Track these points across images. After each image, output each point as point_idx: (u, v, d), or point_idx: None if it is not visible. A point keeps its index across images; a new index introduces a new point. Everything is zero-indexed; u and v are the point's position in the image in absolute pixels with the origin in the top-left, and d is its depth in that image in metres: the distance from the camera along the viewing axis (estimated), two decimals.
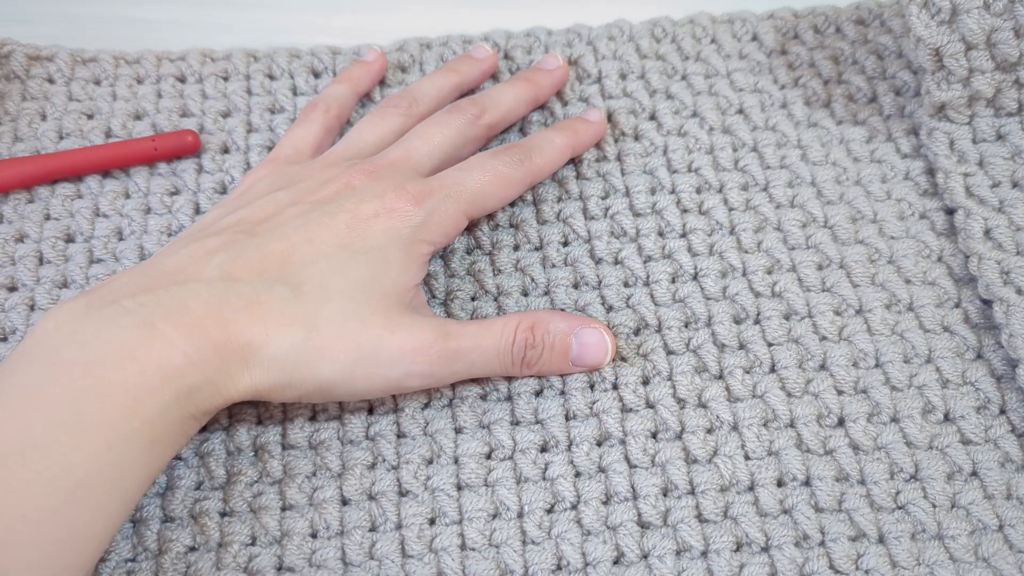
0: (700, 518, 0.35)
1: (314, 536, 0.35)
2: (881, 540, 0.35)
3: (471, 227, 0.44)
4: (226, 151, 0.47)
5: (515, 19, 0.52)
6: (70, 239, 0.43)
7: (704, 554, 0.35)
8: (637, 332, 0.40)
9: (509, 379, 0.39)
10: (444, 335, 0.36)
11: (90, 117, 0.48)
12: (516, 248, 0.43)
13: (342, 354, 0.34)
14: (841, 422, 0.38)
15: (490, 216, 0.44)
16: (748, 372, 0.39)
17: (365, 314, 0.35)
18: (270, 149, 0.46)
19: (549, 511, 0.36)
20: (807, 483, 0.36)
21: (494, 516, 0.36)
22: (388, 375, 0.35)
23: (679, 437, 0.37)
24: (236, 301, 0.33)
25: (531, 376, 0.38)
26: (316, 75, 0.50)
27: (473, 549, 0.35)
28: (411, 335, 0.35)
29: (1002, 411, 0.38)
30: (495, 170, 0.40)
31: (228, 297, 0.33)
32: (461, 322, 0.37)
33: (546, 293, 0.41)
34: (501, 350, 0.37)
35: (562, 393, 0.38)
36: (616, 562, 0.35)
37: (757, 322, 0.40)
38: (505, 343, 0.36)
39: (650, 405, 0.38)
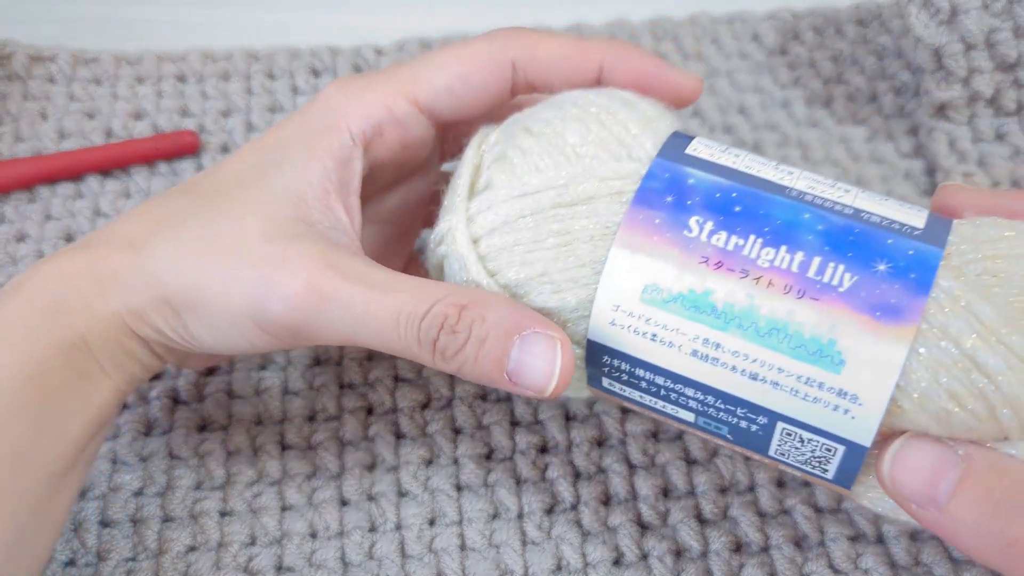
0: (699, 518, 0.35)
1: (314, 536, 0.35)
2: (880, 540, 0.35)
3: None
4: (226, 151, 0.47)
5: (515, 19, 0.52)
6: (70, 239, 0.43)
7: (704, 554, 0.35)
8: None
9: None
10: (333, 266, 0.29)
11: (91, 117, 0.48)
12: None
13: (206, 259, 0.30)
14: None
15: None
16: None
17: (242, 218, 0.30)
18: None
19: (549, 512, 0.36)
20: (807, 483, 0.36)
21: (494, 517, 0.36)
22: (248, 295, 0.29)
23: (679, 438, 0.37)
24: (121, 223, 0.31)
25: (447, 371, 0.29)
26: (316, 75, 0.50)
27: (473, 550, 0.35)
28: (285, 249, 0.29)
29: None
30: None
31: (120, 221, 0.32)
32: (376, 266, 0.30)
33: None
34: (404, 319, 0.28)
35: None
36: (616, 563, 0.35)
37: None
38: (413, 312, 0.28)
39: None
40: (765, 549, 0.35)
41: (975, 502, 0.24)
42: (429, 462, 0.37)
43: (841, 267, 0.26)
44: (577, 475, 0.36)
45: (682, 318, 0.27)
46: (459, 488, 0.36)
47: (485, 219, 0.30)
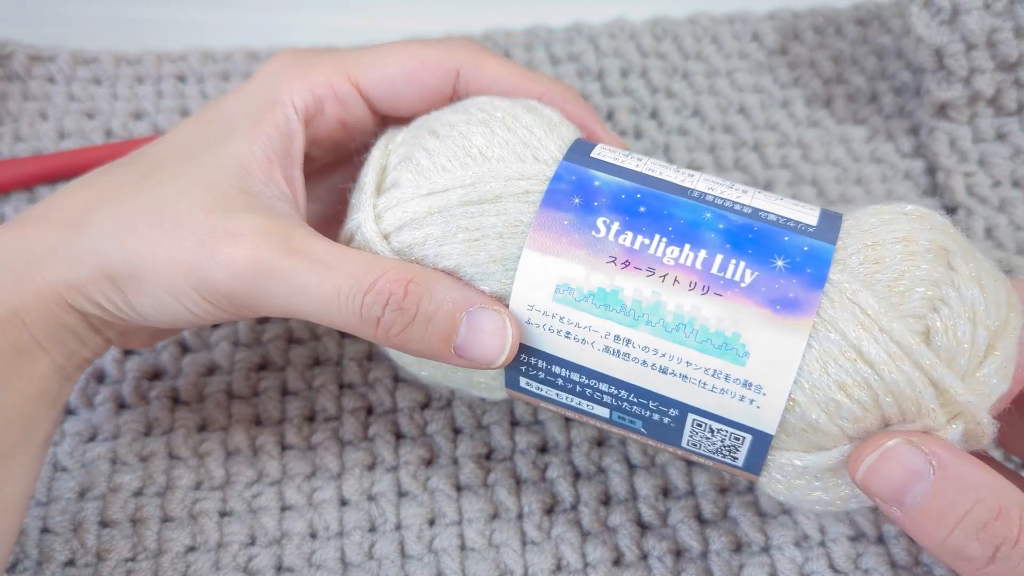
0: (699, 519, 0.35)
1: (313, 536, 0.35)
2: (880, 540, 0.35)
3: None
4: None
5: (515, 18, 0.52)
6: None
7: (704, 554, 0.35)
8: None
9: None
10: (276, 237, 0.29)
11: (91, 117, 0.48)
12: None
13: (149, 231, 0.29)
14: None
15: None
16: None
17: (185, 189, 0.30)
18: None
19: (548, 512, 0.36)
20: None
21: (493, 517, 0.36)
22: (192, 265, 0.29)
23: None
24: (58, 198, 0.31)
25: (388, 346, 0.30)
26: None
27: (473, 550, 0.35)
28: (229, 220, 0.29)
29: None
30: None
31: (57, 196, 0.31)
32: (320, 237, 0.30)
33: None
34: (346, 295, 0.28)
35: None
36: (616, 563, 0.35)
37: None
38: (356, 288, 0.28)
39: None
40: (765, 549, 0.35)
41: (936, 518, 0.25)
42: (429, 462, 0.37)
43: (742, 264, 0.27)
44: (577, 475, 0.36)
45: (593, 316, 0.28)
46: (459, 488, 0.36)
47: (393, 216, 0.30)
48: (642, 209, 0.29)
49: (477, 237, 0.29)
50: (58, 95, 0.48)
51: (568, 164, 0.30)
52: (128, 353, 0.39)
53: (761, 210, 0.29)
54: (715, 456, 0.29)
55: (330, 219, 0.37)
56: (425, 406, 0.38)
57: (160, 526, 0.35)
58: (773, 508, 0.35)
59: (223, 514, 0.36)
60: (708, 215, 0.28)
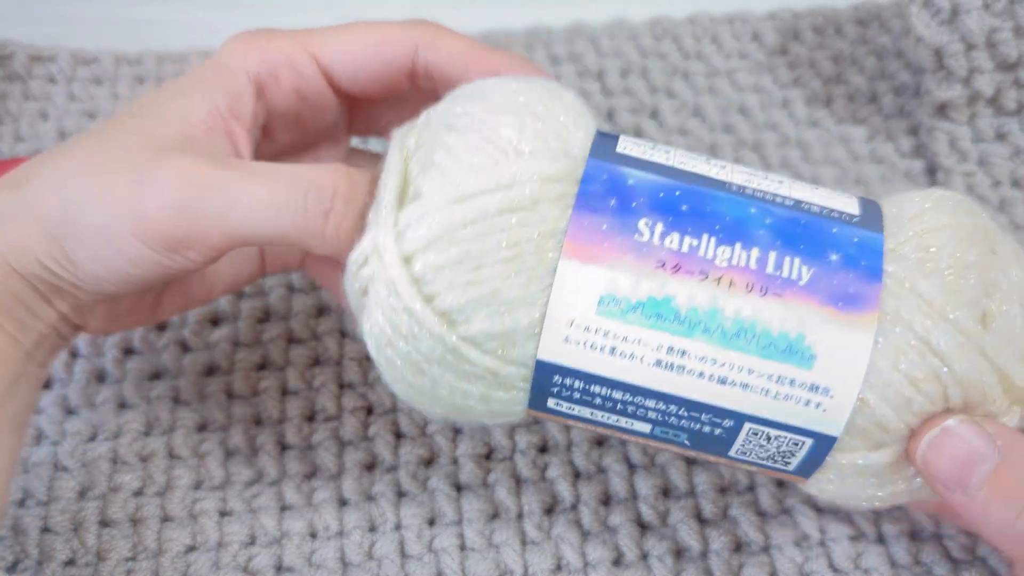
0: (699, 518, 0.35)
1: (313, 536, 0.35)
2: (880, 540, 0.35)
3: None
4: None
5: (515, 18, 0.52)
6: None
7: (704, 554, 0.35)
8: None
9: None
10: (208, 159, 0.29)
11: (91, 117, 0.48)
12: None
13: (83, 177, 0.29)
14: None
15: None
16: None
17: (124, 140, 0.30)
18: None
19: (548, 512, 0.36)
20: None
21: (493, 517, 0.36)
22: (123, 200, 0.28)
23: None
24: (12, 170, 0.31)
25: (339, 247, 0.29)
26: None
27: (472, 550, 0.35)
28: (162, 156, 0.29)
29: None
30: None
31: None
32: (255, 163, 0.30)
33: None
34: (286, 194, 0.28)
35: None
36: (616, 563, 0.35)
37: None
38: (295, 186, 0.28)
39: None
40: (765, 549, 0.35)
41: (1004, 499, 0.25)
42: (428, 462, 0.37)
43: (797, 260, 0.26)
44: (577, 475, 0.36)
45: (644, 328, 0.26)
46: (459, 488, 0.36)
47: (418, 232, 0.26)
48: (684, 207, 0.26)
49: (516, 254, 0.26)
50: (58, 95, 0.48)
51: (597, 162, 0.27)
52: (128, 352, 0.39)
53: (803, 201, 0.27)
54: (764, 463, 0.28)
55: None
56: None
57: (160, 526, 0.35)
58: (773, 508, 0.35)
59: (223, 514, 0.36)
60: (753, 209, 0.26)
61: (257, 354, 0.39)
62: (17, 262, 0.29)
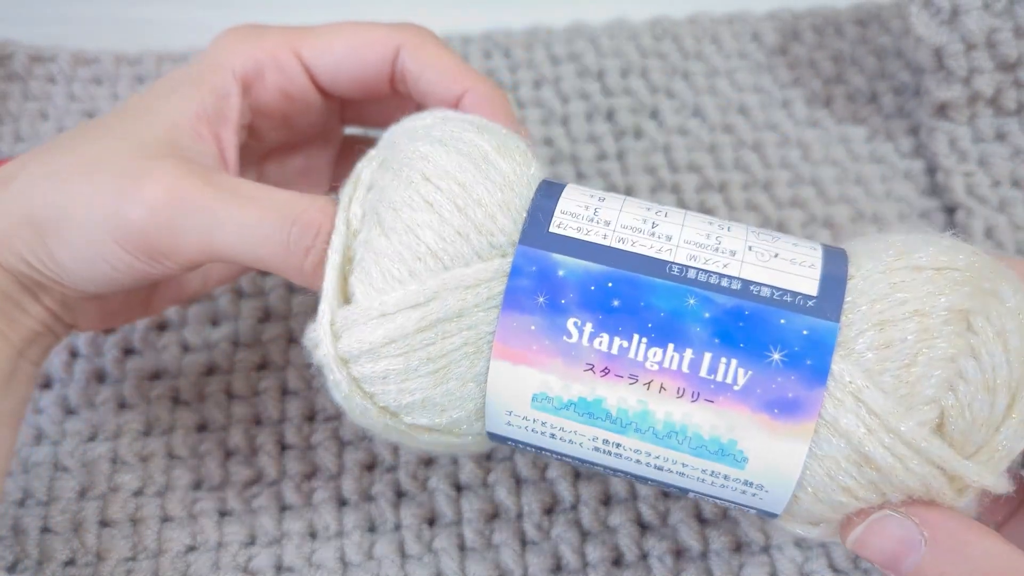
0: (699, 519, 0.35)
1: (313, 536, 0.35)
2: None
3: None
4: None
5: (515, 18, 0.52)
6: None
7: (704, 554, 0.35)
8: None
9: None
10: (195, 174, 0.28)
11: (91, 117, 0.48)
12: None
13: (70, 176, 0.29)
14: None
15: None
16: None
17: (112, 141, 0.30)
18: None
19: (548, 512, 0.36)
20: None
21: (493, 517, 0.36)
22: (107, 204, 0.28)
23: None
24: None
25: (314, 281, 0.28)
26: None
27: (472, 550, 0.35)
28: (148, 161, 0.29)
29: None
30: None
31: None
32: (244, 181, 0.30)
33: None
34: (271, 224, 0.28)
35: None
36: (616, 563, 0.35)
37: None
38: (281, 217, 0.28)
39: None
40: (765, 549, 0.35)
41: None
42: (428, 462, 0.37)
43: (734, 362, 0.25)
44: (577, 475, 0.36)
45: (577, 423, 0.26)
46: (458, 488, 0.36)
47: (350, 342, 0.27)
48: (616, 303, 0.25)
49: (443, 365, 0.26)
50: (58, 95, 0.48)
51: (526, 249, 0.26)
52: (128, 352, 0.39)
53: (752, 282, 0.25)
54: (727, 506, 0.29)
55: None
56: None
57: (160, 526, 0.35)
58: None
59: (223, 514, 0.36)
60: (692, 300, 0.25)
61: (257, 354, 0.39)
62: (1, 257, 0.29)
